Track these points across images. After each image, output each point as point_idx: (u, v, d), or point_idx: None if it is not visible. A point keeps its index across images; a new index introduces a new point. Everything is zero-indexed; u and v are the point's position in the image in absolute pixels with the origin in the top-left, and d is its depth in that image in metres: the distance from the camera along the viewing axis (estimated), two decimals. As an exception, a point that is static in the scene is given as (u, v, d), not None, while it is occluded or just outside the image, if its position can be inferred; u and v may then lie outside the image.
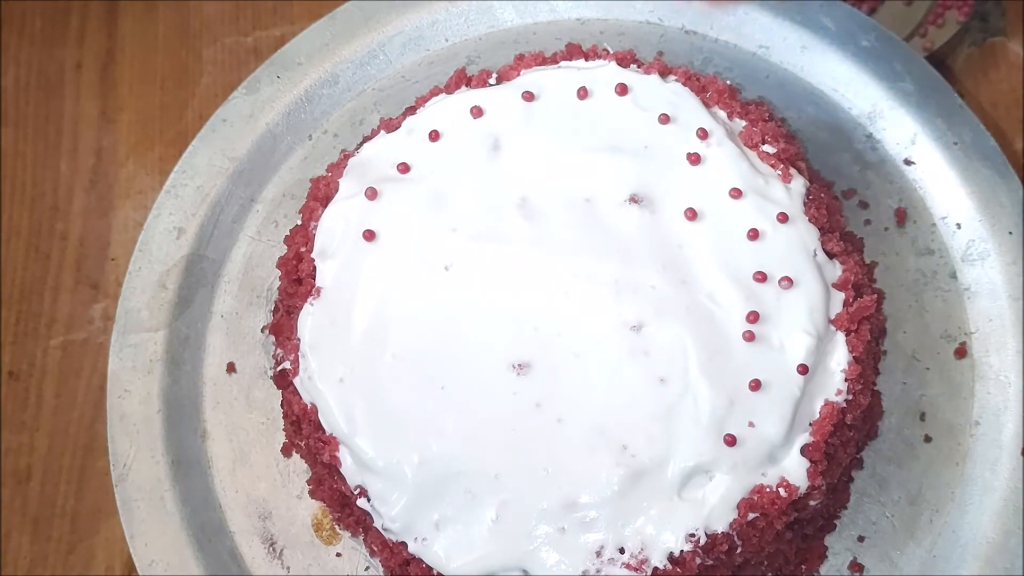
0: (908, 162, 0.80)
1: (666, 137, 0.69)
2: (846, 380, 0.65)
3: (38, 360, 0.84)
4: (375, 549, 0.70)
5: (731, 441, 0.61)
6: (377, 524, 0.66)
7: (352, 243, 0.68)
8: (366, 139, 0.75)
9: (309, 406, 0.67)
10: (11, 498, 0.79)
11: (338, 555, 0.72)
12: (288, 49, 0.85)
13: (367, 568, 0.72)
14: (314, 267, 0.69)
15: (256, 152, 0.82)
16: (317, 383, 0.66)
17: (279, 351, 0.71)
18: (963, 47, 0.90)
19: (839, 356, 0.65)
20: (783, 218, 0.67)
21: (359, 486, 0.65)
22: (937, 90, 0.80)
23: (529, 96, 0.71)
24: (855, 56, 0.82)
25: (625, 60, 0.74)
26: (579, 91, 0.71)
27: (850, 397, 0.65)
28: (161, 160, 0.89)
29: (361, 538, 0.72)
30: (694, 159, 0.69)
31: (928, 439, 0.73)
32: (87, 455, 0.81)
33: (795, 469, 0.62)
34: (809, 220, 0.68)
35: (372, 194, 0.69)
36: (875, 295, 0.67)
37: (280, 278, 0.73)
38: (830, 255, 0.68)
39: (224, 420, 0.76)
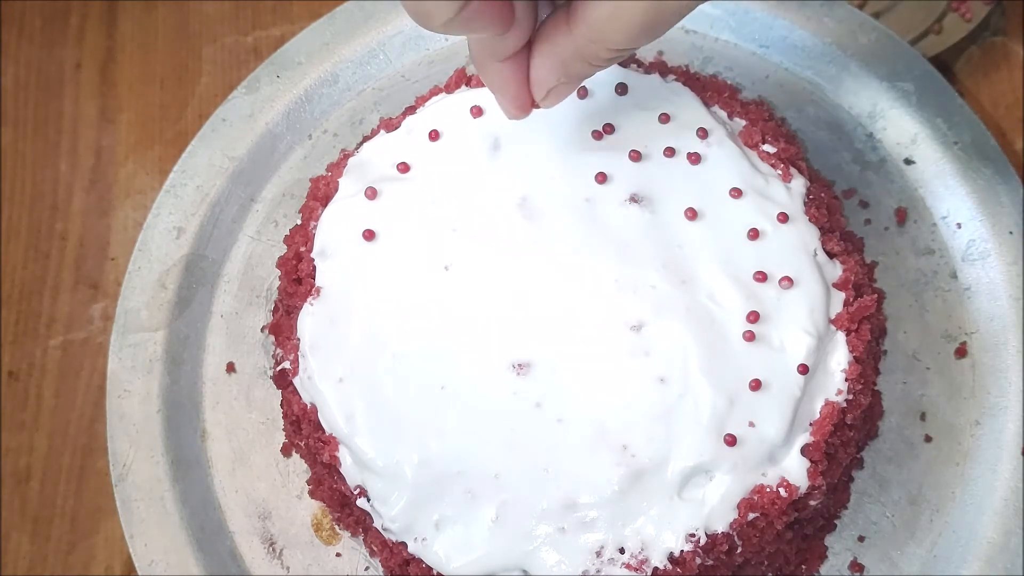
0: (908, 162, 0.80)
1: (666, 137, 0.69)
2: (846, 380, 0.64)
3: (38, 360, 0.83)
4: (375, 549, 0.70)
5: (731, 441, 0.61)
6: (377, 524, 0.66)
7: (352, 243, 0.68)
8: (366, 139, 0.75)
9: (309, 406, 0.67)
10: (11, 498, 0.79)
11: (338, 555, 0.72)
12: (288, 49, 0.85)
13: (367, 568, 0.72)
14: (314, 267, 0.69)
15: (256, 152, 0.82)
16: (317, 383, 0.65)
17: (279, 351, 0.71)
18: (963, 47, 0.90)
19: (839, 356, 0.65)
20: (783, 218, 0.67)
21: (359, 486, 0.65)
22: (937, 90, 0.80)
23: (529, 96, 0.70)
24: (855, 56, 0.82)
25: (625, 60, 0.74)
26: (579, 91, 0.71)
27: (850, 397, 0.64)
28: (161, 160, 0.89)
29: (361, 538, 0.72)
30: (694, 159, 0.68)
31: (928, 439, 0.73)
32: (87, 455, 0.80)
33: (795, 469, 0.62)
34: (809, 220, 0.68)
35: (372, 194, 0.69)
36: (875, 295, 0.67)
37: (280, 278, 0.73)
38: (830, 255, 0.68)
39: (224, 420, 0.76)
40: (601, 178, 0.68)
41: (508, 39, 0.54)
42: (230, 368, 0.77)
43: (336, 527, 0.73)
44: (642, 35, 0.52)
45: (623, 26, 0.52)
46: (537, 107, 0.60)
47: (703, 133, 0.69)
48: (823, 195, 0.72)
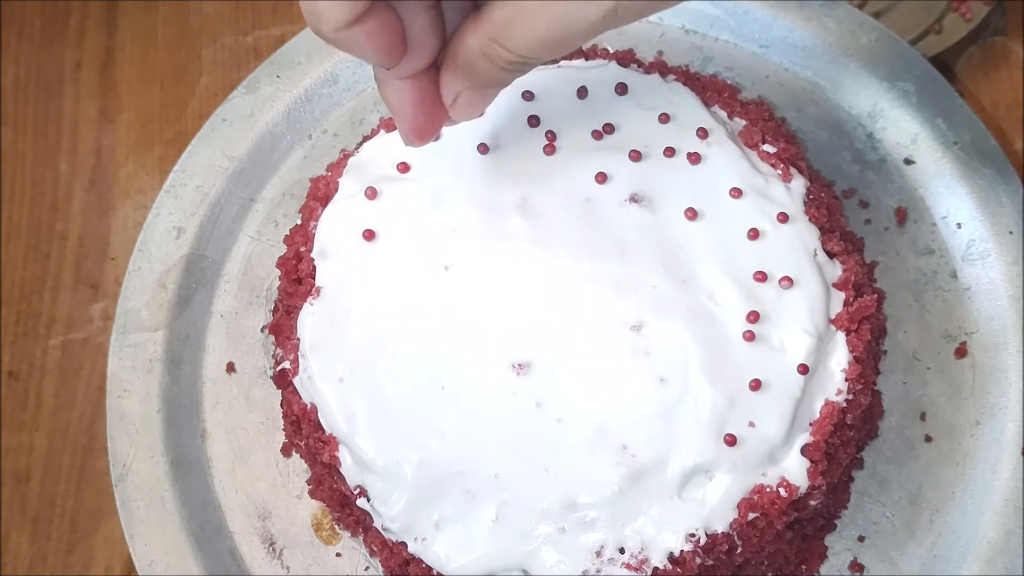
0: (908, 162, 0.80)
1: (666, 137, 0.69)
2: (846, 380, 0.64)
3: (38, 360, 0.83)
4: (375, 549, 0.70)
5: (731, 441, 0.61)
6: (377, 524, 0.66)
7: (352, 243, 0.68)
8: (366, 138, 0.75)
9: (309, 406, 0.67)
10: (11, 498, 0.79)
11: (338, 555, 0.72)
12: (288, 48, 0.85)
13: (367, 568, 0.72)
14: (314, 267, 0.68)
15: (256, 152, 0.82)
16: (317, 383, 0.65)
17: (279, 351, 0.71)
18: (963, 47, 0.90)
19: (839, 356, 0.65)
20: (783, 218, 0.67)
21: (359, 486, 0.65)
22: (937, 90, 0.80)
23: (529, 96, 0.70)
24: (855, 56, 0.82)
25: (625, 59, 0.74)
26: (579, 91, 0.71)
27: (850, 397, 0.64)
28: (161, 160, 0.89)
29: (361, 538, 0.72)
30: (694, 159, 0.68)
31: (928, 439, 0.73)
32: (87, 455, 0.80)
33: (795, 469, 0.62)
34: (809, 220, 0.68)
35: (372, 194, 0.69)
36: (875, 295, 0.67)
37: (280, 278, 0.73)
38: (830, 255, 0.68)
39: (224, 420, 0.76)
40: (601, 178, 0.68)
41: (409, 59, 0.53)
42: (230, 368, 0.77)
43: (336, 527, 0.73)
44: (544, 48, 0.50)
45: (524, 34, 0.50)
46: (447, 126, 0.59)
47: (703, 133, 0.69)
48: (823, 195, 0.72)
